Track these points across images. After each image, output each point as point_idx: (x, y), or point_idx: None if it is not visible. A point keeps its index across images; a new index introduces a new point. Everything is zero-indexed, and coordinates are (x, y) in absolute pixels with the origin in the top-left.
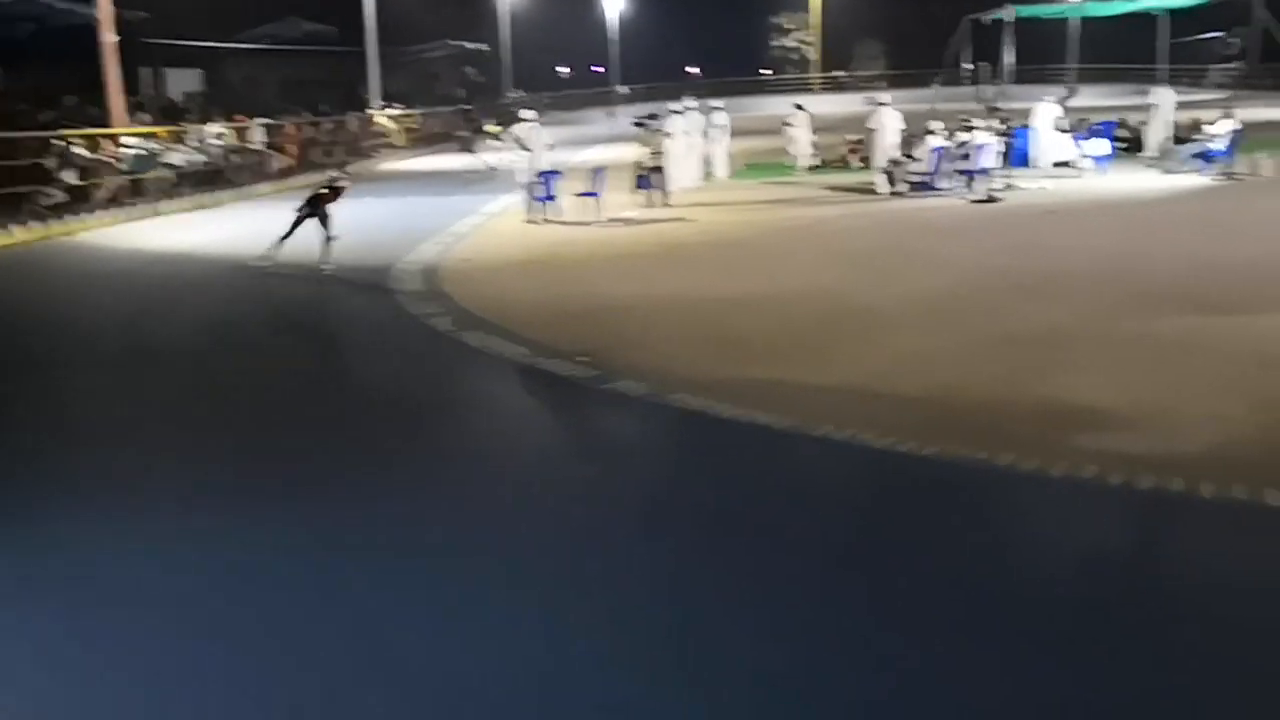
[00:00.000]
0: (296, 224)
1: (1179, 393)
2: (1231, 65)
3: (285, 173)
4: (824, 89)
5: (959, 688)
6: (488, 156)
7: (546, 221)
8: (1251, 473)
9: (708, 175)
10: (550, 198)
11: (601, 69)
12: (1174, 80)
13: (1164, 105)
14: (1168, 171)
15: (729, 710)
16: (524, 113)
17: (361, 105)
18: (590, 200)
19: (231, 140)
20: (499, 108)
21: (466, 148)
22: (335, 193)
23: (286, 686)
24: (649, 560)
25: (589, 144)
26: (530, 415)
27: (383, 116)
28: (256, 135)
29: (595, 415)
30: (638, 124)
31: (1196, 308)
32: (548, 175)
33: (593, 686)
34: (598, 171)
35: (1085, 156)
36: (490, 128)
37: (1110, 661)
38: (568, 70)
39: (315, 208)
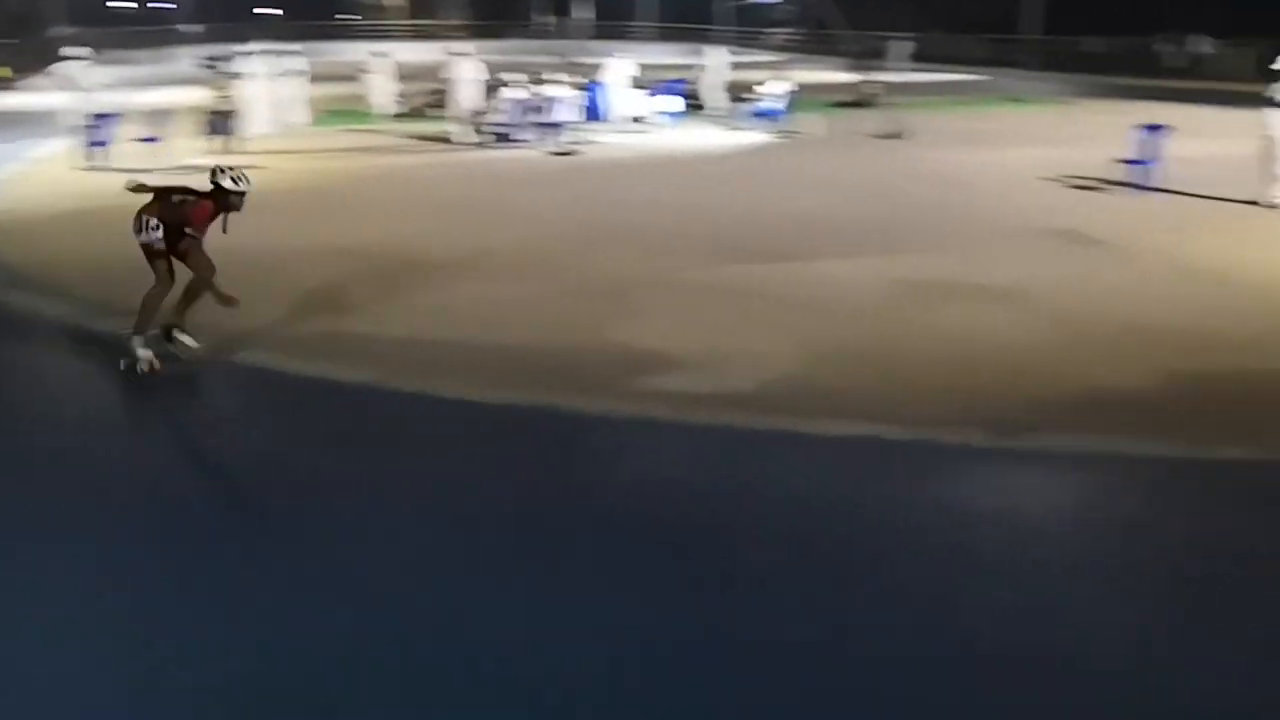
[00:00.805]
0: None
1: (736, 335)
2: (787, 30)
3: None
4: (409, 36)
5: (540, 612)
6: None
7: (103, 169)
8: (800, 405)
9: (286, 122)
10: (107, 142)
11: (170, 4)
12: (740, 42)
13: (715, 65)
14: (732, 129)
15: (314, 658)
16: (74, 50)
17: None
18: (153, 146)
19: None
20: (42, 44)
21: None
22: (220, 202)
23: None
24: (204, 523)
25: (153, 85)
26: (76, 380)
27: None
28: None
29: (150, 376)
30: (208, 65)
31: (753, 256)
32: (103, 118)
33: (149, 660)
34: (161, 115)
35: (657, 112)
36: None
37: (684, 580)
38: (130, 5)
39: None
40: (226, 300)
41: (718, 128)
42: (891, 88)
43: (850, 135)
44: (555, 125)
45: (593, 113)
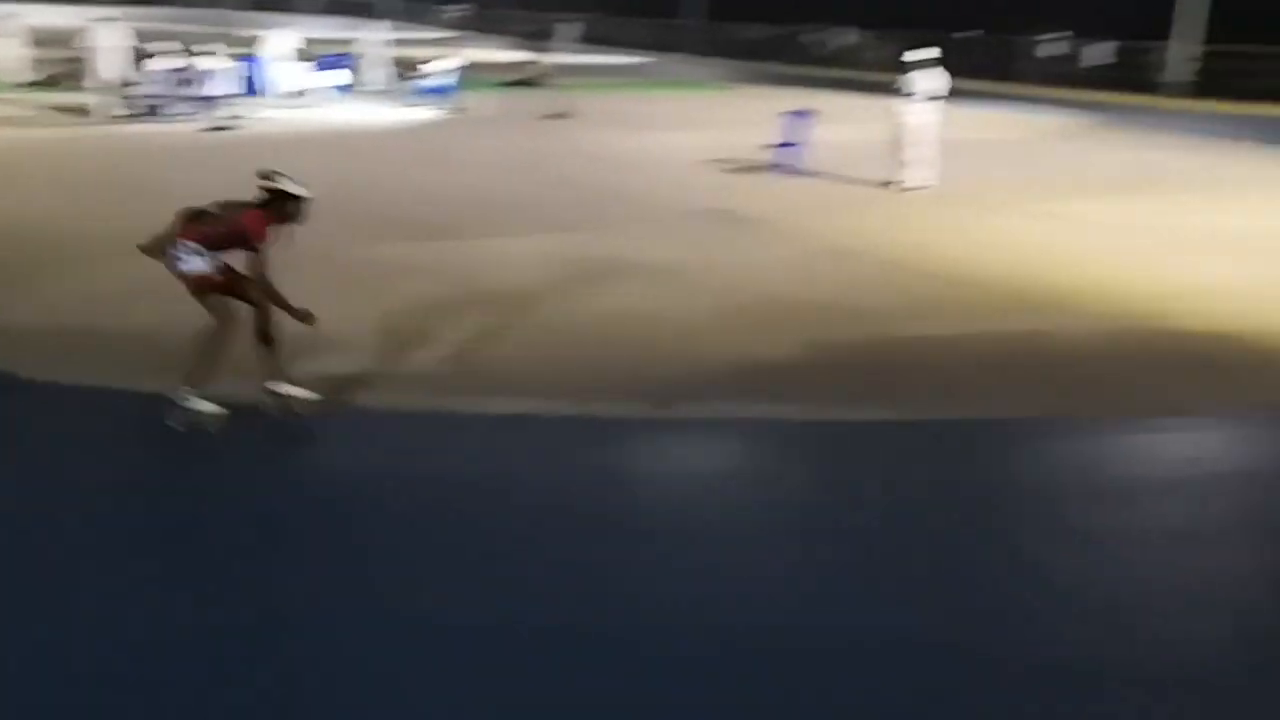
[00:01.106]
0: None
1: (397, 314)
2: (458, 7)
3: None
4: None
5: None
6: None
7: None
8: (461, 385)
9: None
10: None
11: None
12: (409, 18)
13: (377, 40)
14: (400, 105)
15: None
16: None
17: None
18: None
19: None
20: None
21: None
22: (277, 211)
23: None
24: None
25: None
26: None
27: None
28: None
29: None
30: None
31: (416, 234)
32: None
33: None
34: None
35: (322, 87)
36: None
37: (367, 560)
38: None
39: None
40: (305, 317)
41: (385, 104)
42: (560, 68)
43: (518, 115)
44: (210, 99)
45: (252, 87)
